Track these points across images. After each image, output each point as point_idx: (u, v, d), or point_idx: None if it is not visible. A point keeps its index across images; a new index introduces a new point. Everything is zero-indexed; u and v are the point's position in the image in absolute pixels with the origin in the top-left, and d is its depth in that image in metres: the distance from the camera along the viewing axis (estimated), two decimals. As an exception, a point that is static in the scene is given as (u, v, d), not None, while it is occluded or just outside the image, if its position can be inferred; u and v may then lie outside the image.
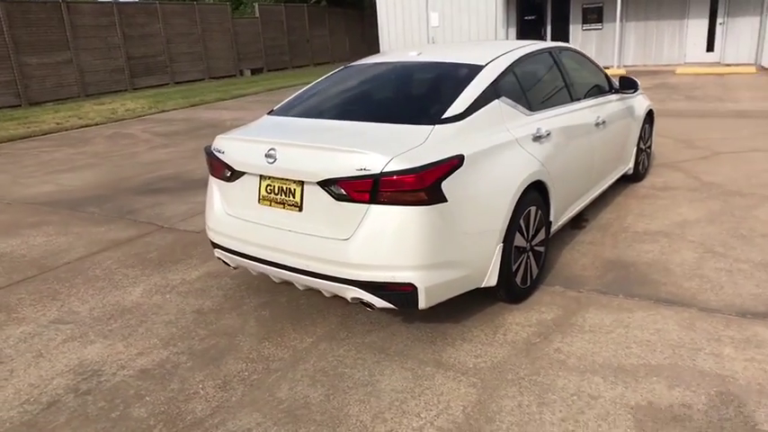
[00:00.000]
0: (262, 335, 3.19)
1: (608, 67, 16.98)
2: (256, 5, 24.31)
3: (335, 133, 3.00)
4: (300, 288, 3.14)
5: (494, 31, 19.06)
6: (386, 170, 2.59)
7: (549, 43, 4.23)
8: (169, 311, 3.53)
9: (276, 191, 2.99)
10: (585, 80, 4.40)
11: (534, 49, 3.85)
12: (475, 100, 3.08)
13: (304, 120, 3.35)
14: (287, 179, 2.92)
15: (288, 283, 3.37)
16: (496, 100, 3.21)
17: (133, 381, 2.82)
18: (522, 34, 19.07)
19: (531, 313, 3.25)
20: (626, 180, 5.47)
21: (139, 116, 13.30)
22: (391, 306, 2.76)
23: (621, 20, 16.34)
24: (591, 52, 18.29)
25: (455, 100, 3.06)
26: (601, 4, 17.60)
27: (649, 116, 5.53)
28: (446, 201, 2.67)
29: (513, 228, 3.07)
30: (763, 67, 14.84)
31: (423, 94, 3.43)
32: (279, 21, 24.95)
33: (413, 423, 2.40)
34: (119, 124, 12.22)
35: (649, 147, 5.73)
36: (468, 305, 3.31)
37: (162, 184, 6.78)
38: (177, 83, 20.42)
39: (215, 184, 3.35)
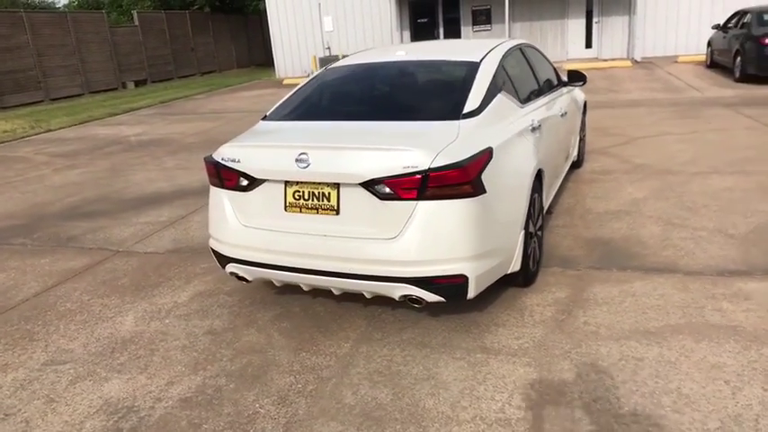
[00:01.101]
0: (294, 346, 3.09)
1: (498, 67, 18.12)
2: (135, 13, 22.82)
3: (366, 134, 2.99)
4: (336, 293, 3.09)
5: (389, 35, 19.54)
6: (433, 166, 2.65)
7: (516, 40, 4.50)
8: (178, 336, 3.29)
9: (306, 196, 2.92)
10: (546, 74, 4.74)
11: (510, 46, 4.08)
12: (485, 95, 3.23)
13: (319, 122, 3.28)
14: (320, 183, 2.86)
15: (301, 291, 3.31)
16: (499, 94, 3.39)
17: (178, 411, 2.62)
18: (416, 37, 19.76)
19: (545, 294, 3.46)
20: (570, 167, 5.95)
21: (22, 137, 11.96)
22: (441, 300, 2.82)
23: (509, 21, 17.50)
24: (481, 53, 19.41)
25: (468, 95, 3.19)
26: (488, 6, 18.73)
27: (585, 107, 6.06)
28: (486, 192, 2.78)
29: (528, 214, 3.26)
30: (636, 60, 16.67)
31: (431, 91, 3.51)
32: (160, 29, 23.61)
33: (492, 406, 2.48)
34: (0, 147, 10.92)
35: (584, 135, 6.28)
36: (481, 294, 3.45)
37: (91, 207, 6.20)
38: (53, 99, 18.59)
39: (225, 196, 3.18)
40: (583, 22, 18.02)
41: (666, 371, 2.62)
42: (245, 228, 3.12)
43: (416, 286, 2.75)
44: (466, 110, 3.08)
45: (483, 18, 18.94)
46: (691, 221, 4.40)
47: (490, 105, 3.23)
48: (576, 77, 5.14)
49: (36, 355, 3.21)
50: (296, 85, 19.24)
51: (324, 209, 2.89)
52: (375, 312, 3.38)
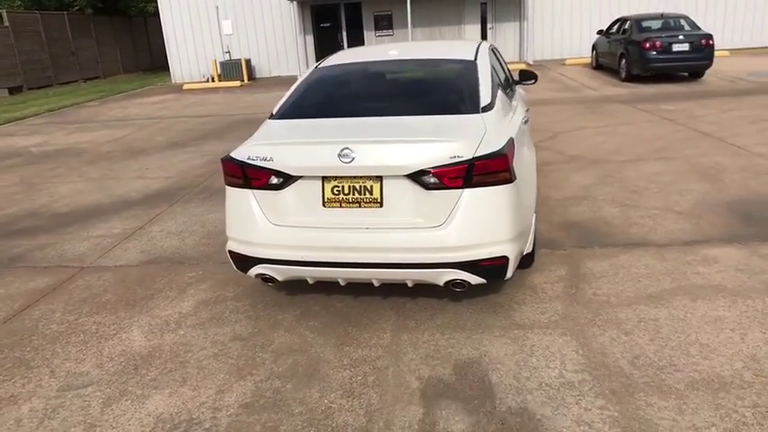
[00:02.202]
0: (333, 342, 3.10)
1: (402, 70, 18.69)
2: (3, 13, 20.54)
3: (400, 127, 3.07)
4: (376, 284, 3.14)
5: (292, 39, 19.38)
6: (477, 155, 2.82)
7: (485, 41, 4.78)
8: (203, 346, 3.16)
9: (346, 191, 2.95)
10: (507, 73, 5.09)
11: (487, 46, 4.35)
12: (491, 91, 3.45)
13: (345, 119, 3.29)
14: (362, 177, 2.91)
15: (315, 291, 3.33)
16: (499, 90, 3.63)
17: (246, 417, 2.54)
18: (320, 41, 19.80)
19: (547, 273, 3.75)
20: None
21: None
22: (483, 281, 2.99)
23: (411, 26, 18.12)
24: (384, 57, 19.88)
25: (479, 91, 3.39)
26: (390, 12, 19.25)
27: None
28: (517, 178, 3.00)
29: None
30: (528, 63, 17.98)
31: (441, 87, 3.65)
32: (35, 31, 21.46)
33: (551, 373, 2.69)
34: None
35: (525, 130, 6.77)
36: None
37: (23, 224, 5.61)
38: None
39: (251, 196, 3.10)
40: (478, 27, 19.13)
41: (681, 327, 3.00)
42: (276, 227, 3.07)
43: (464, 270, 2.90)
44: (482, 104, 3.28)
45: (385, 23, 19.43)
46: (641, 202, 4.97)
47: (497, 100, 3.46)
48: (528, 76, 5.56)
49: (44, 382, 2.92)
50: (197, 90, 18.50)
51: (366, 202, 2.94)
52: (397, 303, 3.46)
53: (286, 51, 19.90)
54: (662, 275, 3.59)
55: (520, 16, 18.54)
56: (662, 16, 12.43)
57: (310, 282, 3.24)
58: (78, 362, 3.08)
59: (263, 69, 20.27)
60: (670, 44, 11.27)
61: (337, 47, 19.91)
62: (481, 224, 2.88)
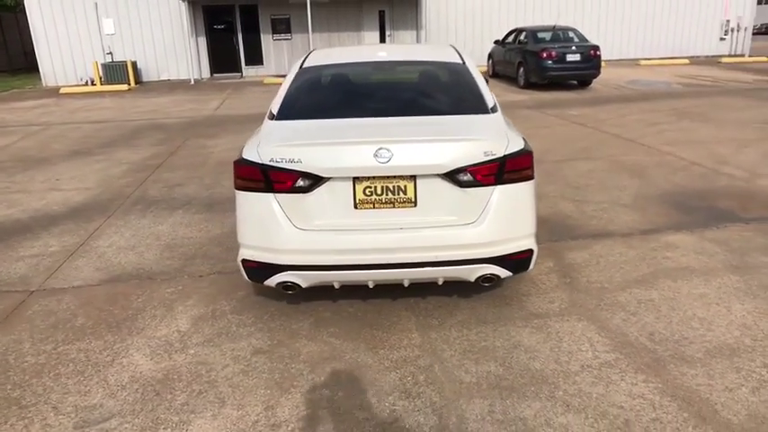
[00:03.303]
0: (364, 347, 3.04)
1: (302, 76, 18.52)
2: None
3: (423, 126, 3.09)
4: (406, 284, 3.12)
5: (182, 40, 18.37)
6: (508, 152, 2.93)
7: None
8: (226, 363, 2.94)
9: (379, 191, 2.91)
10: None
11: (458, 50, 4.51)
12: (490, 92, 3.59)
13: (359, 120, 3.22)
14: (396, 176, 2.89)
15: (321, 297, 3.27)
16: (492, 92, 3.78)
17: (312, 430, 2.41)
18: (213, 43, 18.98)
19: (537, 265, 3.94)
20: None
21: None
22: (510, 274, 3.10)
23: (311, 31, 18.01)
24: (283, 61, 19.54)
25: (481, 92, 3.51)
26: (288, 16, 18.95)
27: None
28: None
29: None
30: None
31: (443, 88, 3.69)
32: None
33: (586, 355, 2.88)
34: None
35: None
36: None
37: (-75, 245, 4.79)
38: None
39: (273, 201, 2.94)
40: (377, 34, 19.50)
41: (675, 305, 3.35)
42: (302, 231, 2.95)
43: (496, 265, 3.00)
44: (489, 105, 3.41)
45: (283, 27, 19.11)
46: (588, 197, 5.42)
47: (496, 101, 3.61)
48: None
49: (52, 420, 2.55)
50: (78, 94, 16.88)
51: (400, 202, 2.92)
52: (409, 303, 3.48)
53: (176, 54, 18.80)
54: (638, 261, 3.97)
55: (416, 25, 19.21)
56: (554, 28, 13.58)
57: (336, 286, 3.15)
58: (83, 394, 2.72)
59: (151, 72, 18.99)
60: (564, 54, 12.37)
61: (233, 50, 19.25)
62: (511, 219, 3.00)
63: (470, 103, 3.42)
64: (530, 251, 3.09)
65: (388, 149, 2.84)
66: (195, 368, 2.91)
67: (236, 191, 3.09)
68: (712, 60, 19.47)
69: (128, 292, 3.81)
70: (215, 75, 19.29)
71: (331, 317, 3.37)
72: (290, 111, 3.39)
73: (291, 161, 2.88)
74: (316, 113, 3.34)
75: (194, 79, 18.27)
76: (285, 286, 3.09)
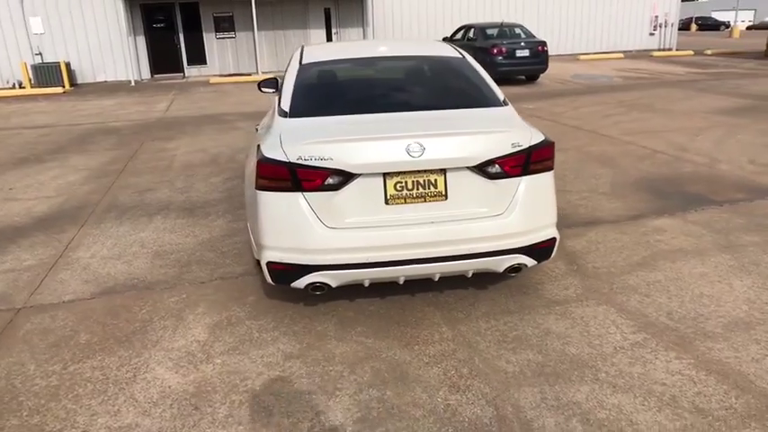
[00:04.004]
0: (398, 344, 3.02)
1: (249, 74, 18.13)
2: None
3: (448, 120, 3.09)
4: (436, 279, 3.11)
5: (119, 40, 17.52)
6: (533, 143, 2.98)
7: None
8: (260, 371, 2.83)
9: (410, 186, 2.89)
10: None
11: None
12: (496, 85, 3.64)
13: (381, 115, 3.18)
14: (427, 171, 2.87)
15: (336, 298, 3.23)
16: None
17: (371, 431, 2.36)
18: (153, 43, 18.19)
19: (540, 254, 4.07)
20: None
21: None
22: (536, 263, 3.16)
23: (256, 29, 17.61)
24: (228, 60, 19.01)
25: (491, 85, 3.55)
26: (231, 14, 18.43)
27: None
28: (552, 166, 3.23)
29: None
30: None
31: (455, 81, 3.68)
32: None
33: (616, 337, 2.98)
34: None
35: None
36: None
37: None
38: None
39: (300, 200, 2.86)
40: (323, 32, 19.33)
41: (682, 284, 3.52)
42: (333, 230, 2.88)
43: (524, 254, 3.05)
44: (501, 98, 3.45)
45: (226, 25, 18.59)
46: (569, 187, 5.60)
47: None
48: None
49: (86, 444, 2.37)
50: (7, 98, 15.73)
51: (431, 196, 2.91)
52: (428, 298, 3.48)
53: (113, 54, 17.92)
54: (634, 246, 4.14)
55: (363, 22, 19.19)
56: (501, 25, 13.92)
57: (366, 284, 3.10)
58: (113, 415, 2.55)
59: (87, 74, 17.99)
60: (514, 50, 12.71)
61: (174, 50, 18.54)
62: (536, 209, 3.06)
63: (484, 95, 3.46)
64: (553, 239, 3.16)
65: (420, 144, 2.83)
66: (228, 378, 2.79)
67: (258, 191, 2.97)
68: (644, 54, 20.61)
69: (128, 304, 3.60)
70: (156, 75, 18.52)
71: (354, 316, 3.32)
72: (304, 108, 3.30)
73: (321, 158, 2.81)
74: (333, 110, 3.27)
75: (134, 80, 17.48)
76: (314, 287, 3.01)
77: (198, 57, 18.82)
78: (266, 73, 18.26)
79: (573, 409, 2.45)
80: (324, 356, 2.94)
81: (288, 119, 3.24)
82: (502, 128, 3.02)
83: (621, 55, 20.32)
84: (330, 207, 2.88)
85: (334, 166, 2.81)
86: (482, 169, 2.92)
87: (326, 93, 3.54)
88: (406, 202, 2.91)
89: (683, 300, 3.34)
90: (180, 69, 18.74)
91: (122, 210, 5.49)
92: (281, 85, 3.78)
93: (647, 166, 6.21)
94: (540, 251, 3.14)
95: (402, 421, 2.44)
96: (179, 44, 18.44)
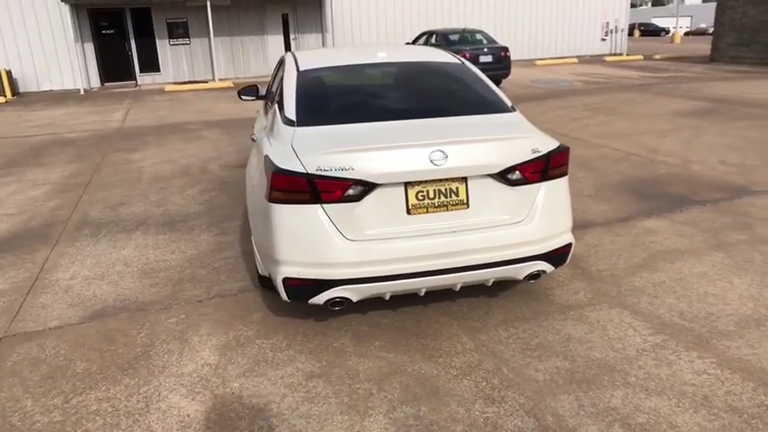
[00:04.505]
0: (421, 358, 2.94)
1: (205, 81, 17.69)
2: None
3: (465, 126, 3.05)
4: (456, 289, 3.04)
5: (65, 47, 16.77)
6: (550, 149, 2.97)
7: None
8: (282, 393, 2.70)
9: (431, 195, 2.82)
10: None
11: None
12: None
13: (394, 122, 3.10)
14: (449, 179, 2.82)
15: (345, 313, 3.17)
16: None
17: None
18: (102, 50, 17.48)
19: (542, 258, 4.08)
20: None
21: None
22: (554, 269, 3.15)
23: (212, 34, 17.19)
24: (182, 67, 18.48)
25: (495, 91, 3.54)
26: (185, 19, 17.93)
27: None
28: (565, 171, 3.24)
29: None
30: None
31: (459, 88, 3.62)
32: None
33: (636, 339, 3.00)
34: None
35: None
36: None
37: None
38: None
39: (319, 212, 2.74)
40: (281, 38, 19.07)
41: (686, 284, 3.60)
42: (354, 243, 2.78)
43: (545, 261, 3.03)
44: (509, 103, 3.44)
45: (180, 32, 18.08)
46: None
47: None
48: None
49: (107, 485, 2.17)
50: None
51: (453, 204, 2.86)
52: (441, 308, 3.42)
53: (59, 61, 17.13)
54: (631, 248, 4.22)
55: (322, 28, 19.05)
56: (463, 31, 14.09)
57: (387, 297, 3.00)
58: (133, 449, 2.36)
59: (30, 83, 17.13)
60: (478, 56, 12.88)
61: (125, 57, 17.88)
62: (555, 215, 3.05)
63: (493, 101, 3.44)
64: (570, 245, 3.16)
65: (442, 151, 2.77)
66: (250, 402, 2.64)
67: (272, 204, 2.84)
68: (597, 59, 21.34)
69: (123, 328, 3.38)
70: (106, 84, 17.82)
71: (370, 330, 3.22)
72: (312, 116, 3.19)
73: (342, 169, 2.71)
74: (344, 118, 3.17)
75: (84, 89, 16.73)
76: (334, 303, 2.90)
77: (151, 64, 18.23)
78: (223, 80, 17.89)
79: (612, 415, 2.44)
80: (347, 374, 2.83)
81: (297, 128, 3.12)
82: (521, 134, 3.01)
83: (576, 60, 20.97)
84: (350, 219, 2.78)
85: (355, 177, 2.72)
86: (503, 176, 2.89)
87: (334, 100, 3.44)
88: (428, 212, 2.85)
89: (690, 300, 3.41)
90: (132, 77, 18.10)
91: (96, 226, 5.19)
92: (279, 93, 3.66)
93: (624, 169, 6.37)
94: (559, 257, 3.13)
95: (445, 438, 2.37)
96: (130, 51, 17.79)
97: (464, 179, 2.86)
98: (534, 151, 2.93)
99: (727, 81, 14.29)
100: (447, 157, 2.77)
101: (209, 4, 16.54)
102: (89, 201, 6.00)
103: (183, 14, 17.94)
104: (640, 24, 46.66)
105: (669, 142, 7.53)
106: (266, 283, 3.64)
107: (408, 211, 2.83)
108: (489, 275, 3.00)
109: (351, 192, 2.74)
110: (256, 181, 3.20)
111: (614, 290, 3.57)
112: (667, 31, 44.32)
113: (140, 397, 2.72)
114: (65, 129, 10.76)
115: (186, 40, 18.24)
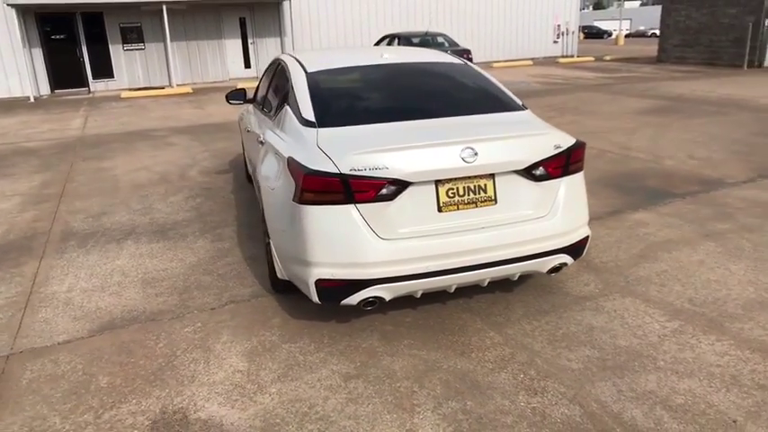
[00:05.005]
0: (453, 354, 2.98)
1: (162, 87, 17.22)
2: None
3: (486, 125, 3.11)
4: (484, 285, 3.09)
5: (11, 53, 15.96)
6: (570, 145, 3.07)
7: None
8: (324, 395, 2.68)
9: (461, 192, 2.87)
10: None
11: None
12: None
13: (412, 122, 3.13)
14: (478, 176, 2.87)
15: (365, 313, 3.22)
16: None
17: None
18: (52, 56, 16.73)
19: (546, 253, 4.20)
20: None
21: None
22: (573, 261, 3.24)
23: (169, 39, 16.75)
24: (137, 73, 17.91)
25: (505, 90, 3.62)
26: (139, 24, 17.38)
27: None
28: (579, 166, 3.35)
29: None
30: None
31: (473, 88, 3.67)
32: None
33: (655, 326, 3.13)
34: None
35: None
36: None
37: None
38: None
39: (353, 212, 2.74)
40: (239, 42, 18.77)
41: (687, 272, 3.78)
42: (387, 242, 2.80)
43: (567, 253, 3.13)
44: (520, 102, 3.53)
45: (135, 36, 17.52)
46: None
47: (514, 98, 3.75)
48: None
49: (165, 499, 2.10)
50: None
51: (482, 201, 2.91)
52: (459, 305, 3.47)
53: (5, 68, 16.30)
54: (627, 239, 4.39)
55: (280, 31, 18.87)
56: (426, 34, 14.27)
57: (418, 295, 3.02)
58: (181, 462, 2.29)
59: (-28, 90, 16.22)
60: (443, 59, 13.04)
61: (77, 63, 17.18)
62: (575, 208, 3.16)
63: (504, 100, 3.52)
64: (587, 237, 3.27)
65: (472, 148, 2.82)
66: (293, 407, 2.61)
67: (302, 206, 2.82)
68: (551, 61, 22.03)
69: (139, 339, 3.26)
70: (57, 91, 17.08)
71: (395, 329, 3.24)
72: (333, 117, 3.18)
73: (377, 168, 2.72)
74: (365, 118, 3.17)
75: (33, 96, 15.97)
76: (367, 302, 2.90)
77: (104, 70, 17.59)
78: (181, 86, 17.45)
79: (652, 398, 2.55)
80: (384, 373, 2.83)
81: (319, 129, 3.10)
82: (542, 130, 3.10)
83: (531, 62, 21.59)
84: (383, 218, 2.80)
85: (390, 176, 2.73)
86: (529, 172, 2.97)
87: (352, 101, 3.44)
88: (458, 209, 2.89)
89: (695, 286, 3.59)
90: (84, 84, 17.41)
91: (82, 237, 4.98)
92: (286, 95, 3.62)
93: (602, 165, 6.61)
94: (578, 249, 3.24)
95: (497, 429, 2.40)
96: (82, 57, 17.11)
97: (491, 176, 2.93)
98: (556, 147, 3.02)
99: (677, 80, 15.05)
100: (477, 154, 2.83)
101: (164, 8, 16.13)
102: (68, 211, 5.75)
103: (138, 19, 17.40)
104: (584, 27, 48.45)
105: (638, 139, 7.88)
106: (281, 288, 3.60)
107: (439, 209, 2.87)
108: (517, 270, 3.06)
109: (384, 191, 2.75)
110: (278, 184, 3.16)
111: (622, 280, 3.72)
112: (610, 34, 46.21)
113: (176, 408, 2.64)
114: (21, 138, 10.25)
115: (141, 45, 17.70)
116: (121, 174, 7.29)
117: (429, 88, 3.66)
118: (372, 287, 2.83)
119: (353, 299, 2.87)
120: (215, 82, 18.59)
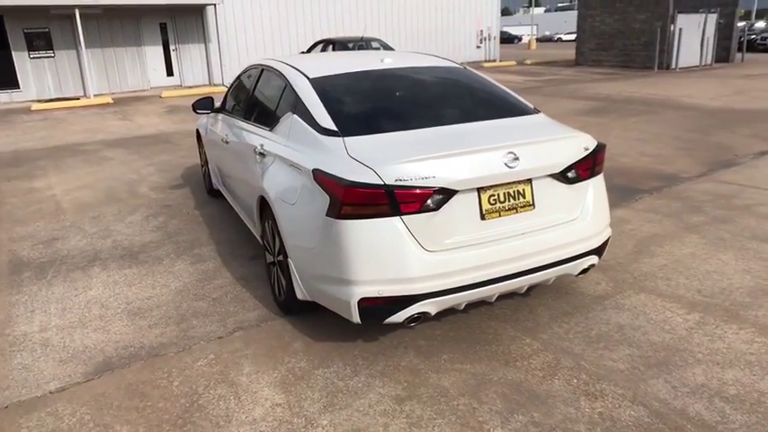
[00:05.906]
0: (497, 365, 2.91)
1: (77, 98, 15.99)
2: None
3: (513, 129, 3.06)
4: (522, 292, 3.03)
5: None
6: (596, 146, 3.10)
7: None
8: (384, 422, 2.51)
9: (502, 198, 2.80)
10: None
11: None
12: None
13: (441, 128, 3.04)
14: (516, 182, 2.81)
15: (395, 329, 3.12)
16: None
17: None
18: (-55, 66, 15.06)
19: (545, 254, 4.24)
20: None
21: None
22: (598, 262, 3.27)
23: (78, 46, 15.56)
24: (47, 83, 16.50)
25: (513, 94, 3.60)
26: (47, 29, 15.98)
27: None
28: (596, 168, 3.39)
29: None
30: (225, 86, 17.66)
31: (484, 92, 3.58)
32: None
33: (678, 319, 3.22)
34: None
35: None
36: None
37: None
38: None
39: (398, 224, 2.60)
40: (161, 49, 17.79)
41: (686, 264, 3.94)
42: (433, 254, 2.67)
43: (596, 255, 3.14)
44: (530, 106, 3.52)
45: (42, 43, 16.11)
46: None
47: (520, 101, 3.74)
48: None
49: None
50: None
51: (521, 206, 2.86)
52: (482, 312, 3.41)
53: None
54: (617, 236, 4.53)
55: (204, 38, 18.10)
56: (362, 39, 14.20)
57: (461, 307, 2.91)
58: None
59: None
60: (382, 64, 13.03)
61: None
62: (601, 209, 3.19)
63: (516, 104, 3.51)
64: (609, 237, 3.32)
65: (514, 153, 2.76)
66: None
67: (341, 221, 2.63)
68: (475, 65, 22.64)
69: (147, 379, 2.92)
70: (-48, 103, 15.36)
71: (428, 344, 3.11)
72: (357, 125, 3.01)
73: (424, 177, 2.59)
74: (389, 126, 3.03)
75: (-75, 110, 14.27)
76: (411, 319, 2.76)
77: (8, 80, 16.05)
78: (98, 96, 16.28)
79: (706, 392, 2.60)
80: (437, 392, 2.71)
81: (345, 138, 2.92)
82: (570, 133, 3.10)
83: (456, 67, 22.11)
84: (429, 229, 2.67)
85: (437, 185, 2.62)
86: (563, 175, 2.96)
87: (370, 107, 3.27)
88: (500, 216, 2.83)
89: (698, 278, 3.75)
90: (-16, 95, 15.80)
91: (38, 267, 4.45)
92: (295, 103, 3.38)
93: (564, 165, 6.83)
94: (602, 250, 3.27)
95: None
96: (-17, 65, 15.53)
97: (529, 180, 2.89)
98: (586, 149, 3.04)
99: (599, 82, 15.98)
100: (518, 158, 2.78)
101: (77, 12, 14.98)
102: (10, 239, 5.12)
103: (45, 24, 16.02)
104: (497, 33, 50.49)
105: (588, 138, 8.23)
106: (295, 309, 3.38)
107: (482, 217, 2.79)
108: (553, 274, 3.04)
109: (430, 201, 2.63)
110: (299, 198, 2.95)
111: (629, 277, 3.82)
112: (520, 39, 48.46)
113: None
114: (-75, 157, 9.09)
115: (50, 53, 16.31)
116: (61, 193, 6.63)
117: (443, 93, 3.57)
118: (420, 302, 2.70)
119: (399, 316, 2.72)
120: (135, 91, 17.50)
